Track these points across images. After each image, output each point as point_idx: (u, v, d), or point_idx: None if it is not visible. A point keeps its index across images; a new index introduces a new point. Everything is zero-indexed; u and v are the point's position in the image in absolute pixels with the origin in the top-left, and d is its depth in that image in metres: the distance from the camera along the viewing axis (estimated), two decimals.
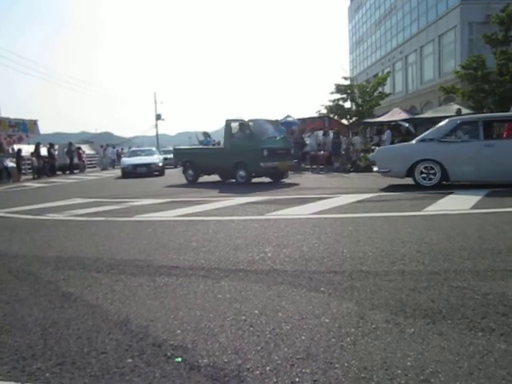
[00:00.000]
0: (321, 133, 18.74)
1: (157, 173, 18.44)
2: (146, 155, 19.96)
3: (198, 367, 1.91)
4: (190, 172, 13.56)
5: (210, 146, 16.17)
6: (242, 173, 11.90)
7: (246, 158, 11.68)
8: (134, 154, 20.56)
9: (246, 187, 10.84)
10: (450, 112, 16.82)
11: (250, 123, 12.28)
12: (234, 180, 12.37)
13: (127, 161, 19.12)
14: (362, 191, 8.63)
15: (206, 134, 20.65)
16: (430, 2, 33.43)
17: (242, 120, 12.42)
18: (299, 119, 22.41)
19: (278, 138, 12.38)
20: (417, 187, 8.57)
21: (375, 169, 10.47)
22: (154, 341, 2.19)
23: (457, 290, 2.72)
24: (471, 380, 1.72)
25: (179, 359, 1.99)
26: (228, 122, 12.55)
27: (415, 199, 7.24)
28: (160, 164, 19.06)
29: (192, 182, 13.26)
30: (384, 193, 8.22)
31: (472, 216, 5.44)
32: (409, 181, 9.02)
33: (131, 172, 17.99)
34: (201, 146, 15.78)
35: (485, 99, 19.67)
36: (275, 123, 13.64)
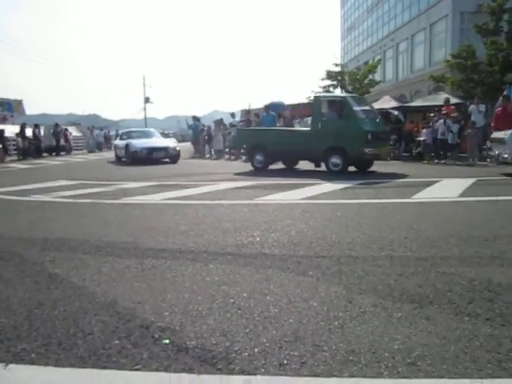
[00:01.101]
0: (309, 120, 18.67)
1: (167, 159, 15.38)
2: (147, 137, 16.51)
3: (186, 349, 1.90)
4: (259, 157, 11.25)
5: (286, 127, 13.78)
6: (335, 160, 9.82)
7: (344, 143, 9.65)
8: (130, 135, 16.97)
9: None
10: (438, 101, 16.85)
11: (348, 100, 10.32)
12: (319, 167, 10.61)
13: (138, 143, 15.40)
14: (351, 178, 8.65)
15: (195, 118, 20.48)
16: None
17: (338, 96, 10.71)
18: (289, 105, 22.29)
19: (378, 120, 10.50)
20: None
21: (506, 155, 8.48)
22: (141, 322, 2.18)
23: (443, 276, 2.75)
24: (457, 363, 1.74)
25: (167, 341, 1.98)
26: (318, 98, 10.63)
27: (404, 186, 7.28)
28: (178, 148, 15.97)
29: (261, 170, 11.01)
30: (373, 179, 8.25)
31: (460, 204, 5.49)
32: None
33: (145, 157, 14.70)
34: (277, 127, 13.55)
35: (474, 89, 19.75)
36: (366, 101, 11.63)
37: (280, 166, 12.05)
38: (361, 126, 9.69)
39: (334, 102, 10.38)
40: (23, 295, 2.61)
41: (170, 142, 16.45)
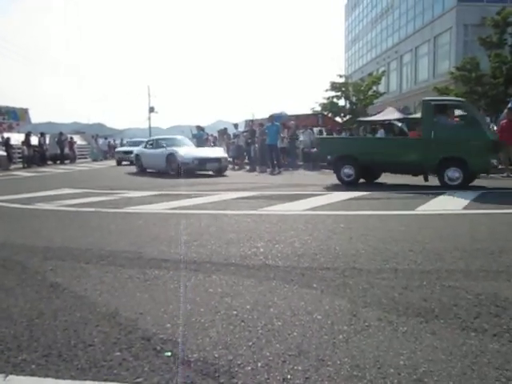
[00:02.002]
0: (315, 130, 18.73)
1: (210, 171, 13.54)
2: (175, 146, 14.14)
3: (188, 362, 1.87)
4: (348, 170, 9.79)
5: (375, 137, 12.91)
6: (453, 173, 8.58)
7: (464, 153, 8.51)
8: (159, 143, 14.64)
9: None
10: None
11: (468, 105, 9.33)
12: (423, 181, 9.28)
13: (188, 153, 13.22)
14: (355, 189, 8.62)
15: (199, 128, 20.58)
16: (426, 3, 33.52)
17: (455, 100, 9.57)
18: (293, 115, 22.37)
19: (490, 127, 9.67)
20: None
21: None
22: (143, 334, 2.15)
23: (449, 290, 2.71)
24: (464, 380, 1.71)
25: (169, 353, 1.95)
26: (428, 103, 9.42)
27: (407, 198, 7.25)
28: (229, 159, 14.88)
29: (350, 185, 9.49)
30: (377, 191, 8.21)
31: (464, 216, 5.45)
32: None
33: (196, 169, 13.02)
34: (374, 136, 12.38)
35: (478, 101, 19.78)
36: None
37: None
38: (486, 133, 8.71)
39: (449, 107, 9.35)
40: (24, 305, 2.59)
41: (221, 152, 14.57)
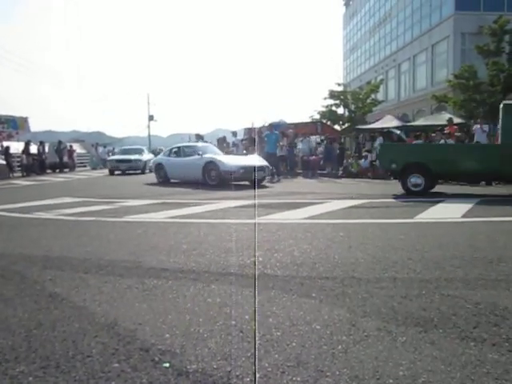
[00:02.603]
0: (313, 138, 18.79)
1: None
2: (209, 153, 12.98)
3: (187, 373, 1.87)
4: (417, 180, 9.16)
5: (449, 143, 12.37)
6: None
7: None
8: (186, 151, 13.52)
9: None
10: (441, 121, 16.96)
11: None
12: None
13: (231, 161, 12.14)
14: (354, 197, 8.63)
15: (198, 136, 20.63)
16: (424, 12, 33.77)
17: None
18: (292, 124, 22.44)
19: None
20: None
21: None
22: (141, 345, 2.14)
23: (448, 299, 2.71)
24: None
25: (167, 364, 1.94)
26: (510, 106, 8.86)
27: (406, 206, 7.26)
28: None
29: (417, 195, 8.86)
30: (376, 199, 8.22)
31: (463, 224, 5.45)
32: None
33: (241, 179, 11.82)
34: (446, 143, 11.96)
35: (476, 109, 19.88)
36: None
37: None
38: None
39: None
40: (22, 315, 2.58)
41: (262, 160, 13.23)
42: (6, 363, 1.99)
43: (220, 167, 11.72)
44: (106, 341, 2.19)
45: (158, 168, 14.03)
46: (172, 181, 13.53)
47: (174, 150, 14.52)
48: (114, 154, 26.37)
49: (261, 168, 12.12)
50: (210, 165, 12.01)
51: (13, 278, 3.37)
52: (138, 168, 21.13)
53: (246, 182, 11.91)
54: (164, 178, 13.68)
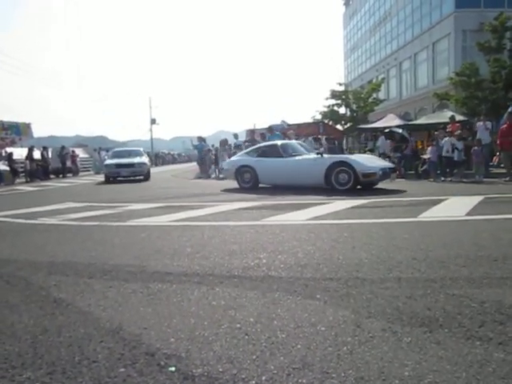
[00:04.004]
0: (311, 138, 18.82)
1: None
2: (301, 153, 11.43)
3: (192, 377, 1.87)
4: None
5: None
6: None
7: None
8: (288, 150, 11.53)
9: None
10: (443, 118, 16.91)
11: None
12: None
13: (370, 162, 10.48)
14: (356, 197, 8.62)
15: (200, 139, 20.66)
16: (424, 10, 33.75)
17: None
18: (294, 124, 22.46)
19: None
20: None
21: None
22: (147, 349, 2.15)
23: (453, 298, 2.70)
24: None
25: (173, 368, 1.94)
26: None
27: (410, 205, 7.24)
28: None
29: None
30: (379, 199, 8.21)
31: (467, 223, 5.44)
32: None
33: (378, 180, 10.27)
34: None
35: (478, 106, 19.82)
36: None
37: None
38: None
39: None
40: (28, 321, 2.59)
41: (383, 160, 12.00)
42: (12, 369, 2.00)
43: (356, 168, 9.77)
44: (112, 346, 2.20)
45: (243, 171, 11.78)
46: (261, 185, 11.71)
47: (261, 149, 12.27)
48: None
49: (391, 169, 10.82)
50: (339, 166, 10.00)
51: (18, 284, 3.38)
52: (142, 173, 18.11)
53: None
54: (252, 183, 11.56)
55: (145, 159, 19.32)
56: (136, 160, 18.51)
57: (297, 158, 11.10)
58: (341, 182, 9.94)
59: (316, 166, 10.34)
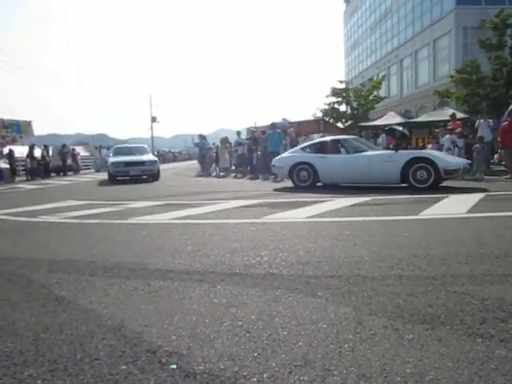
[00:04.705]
0: (315, 136, 18.76)
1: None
2: (369, 149, 10.68)
3: (194, 374, 1.87)
4: None
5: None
6: None
7: None
8: (353, 146, 10.72)
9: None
10: (444, 116, 16.89)
11: None
12: None
13: (449, 158, 10.04)
14: (358, 194, 8.61)
15: (201, 137, 20.66)
16: (424, 7, 33.66)
17: None
18: (294, 122, 22.44)
19: None
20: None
21: None
22: (148, 347, 2.15)
23: (454, 295, 2.70)
24: None
25: (174, 366, 1.95)
26: None
27: (411, 203, 7.23)
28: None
29: None
30: (380, 196, 8.20)
31: (468, 220, 5.43)
32: None
33: (458, 177, 9.67)
34: None
35: (479, 103, 19.80)
36: None
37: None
38: None
39: None
40: (30, 319, 2.59)
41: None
42: (14, 367, 2.01)
43: (439, 164, 8.99)
44: (113, 343, 2.20)
45: (300, 169, 10.76)
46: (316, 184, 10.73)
47: (319, 144, 11.37)
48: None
49: (470, 164, 10.41)
50: (417, 162, 9.23)
51: (19, 282, 3.39)
52: (152, 172, 16.34)
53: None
54: (310, 182, 10.58)
55: (154, 157, 18.07)
56: (145, 158, 16.86)
57: (366, 153, 10.18)
58: (419, 179, 9.12)
59: (391, 162, 9.50)
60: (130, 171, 16.03)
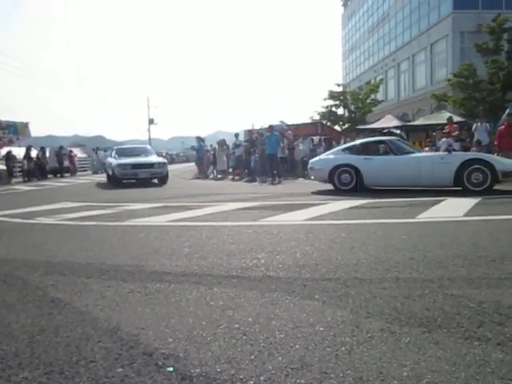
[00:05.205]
0: (315, 138, 18.83)
1: None
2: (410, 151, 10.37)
3: (190, 377, 1.86)
4: None
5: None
6: None
7: None
8: (401, 149, 10.20)
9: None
10: (441, 119, 16.95)
11: None
12: None
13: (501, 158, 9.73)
14: (355, 197, 8.62)
15: (199, 139, 20.65)
16: (422, 11, 33.82)
17: None
18: (292, 125, 22.46)
19: None
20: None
21: None
22: (144, 349, 2.14)
23: (451, 298, 2.70)
24: None
25: (171, 368, 1.94)
26: None
27: (408, 206, 7.24)
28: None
29: None
30: (377, 199, 8.22)
31: (465, 223, 5.44)
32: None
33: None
34: None
35: (476, 107, 19.88)
36: None
37: None
38: None
39: None
40: (25, 321, 2.58)
41: None
42: (9, 369, 1.99)
43: (496, 166, 8.67)
44: (110, 346, 2.19)
45: (342, 171, 10.14)
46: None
47: (360, 146, 10.77)
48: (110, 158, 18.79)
49: None
50: (472, 164, 8.88)
51: (15, 284, 3.37)
52: (162, 175, 15.22)
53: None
54: (353, 185, 9.99)
55: (163, 158, 17.32)
56: (154, 159, 15.94)
57: (416, 155, 9.84)
58: (474, 182, 8.77)
59: (444, 164, 9.07)
60: (139, 174, 14.98)
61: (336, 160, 10.42)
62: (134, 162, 15.29)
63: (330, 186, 10.42)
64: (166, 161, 16.50)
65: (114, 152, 17.05)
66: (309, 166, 11.39)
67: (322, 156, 11.54)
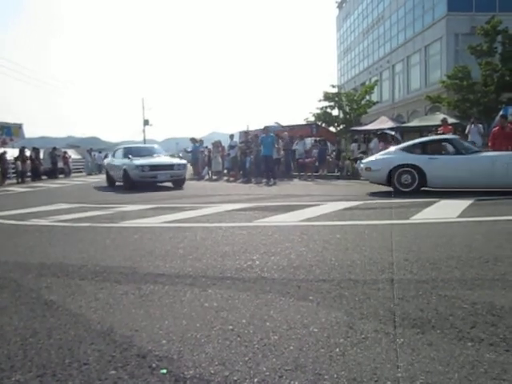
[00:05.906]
0: (309, 140, 18.84)
1: None
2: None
3: (184, 379, 1.85)
4: None
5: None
6: None
7: None
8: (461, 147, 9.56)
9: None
10: (435, 121, 17.03)
11: None
12: None
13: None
14: (350, 198, 8.64)
15: (193, 140, 20.63)
16: (416, 13, 33.97)
17: None
18: (287, 126, 22.49)
19: None
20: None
21: None
22: (138, 351, 2.13)
23: (445, 299, 2.71)
24: None
25: (164, 371, 1.93)
26: None
27: (402, 207, 7.27)
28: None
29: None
30: (371, 200, 8.24)
31: (459, 224, 5.47)
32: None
33: None
34: None
35: (470, 109, 19.99)
36: None
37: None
38: None
39: None
40: (18, 323, 2.56)
41: None
42: (1, 372, 1.98)
43: None
44: (103, 348, 2.18)
45: (402, 172, 9.40)
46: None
47: (422, 144, 10.08)
48: (107, 157, 18.76)
49: None
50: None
51: (8, 286, 3.34)
52: (181, 177, 13.75)
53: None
54: (415, 186, 9.24)
55: (183, 160, 15.78)
56: (173, 160, 14.44)
57: (487, 154, 9.26)
58: None
59: (500, 163, 8.66)
60: (158, 176, 13.13)
61: (397, 160, 9.60)
62: (152, 163, 13.32)
63: (327, 188, 10.43)
64: (185, 162, 14.95)
65: (119, 152, 15.05)
66: (362, 166, 10.58)
67: (378, 156, 10.60)
